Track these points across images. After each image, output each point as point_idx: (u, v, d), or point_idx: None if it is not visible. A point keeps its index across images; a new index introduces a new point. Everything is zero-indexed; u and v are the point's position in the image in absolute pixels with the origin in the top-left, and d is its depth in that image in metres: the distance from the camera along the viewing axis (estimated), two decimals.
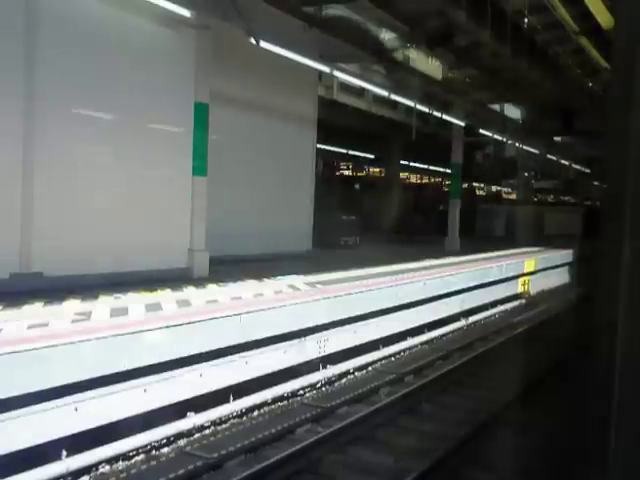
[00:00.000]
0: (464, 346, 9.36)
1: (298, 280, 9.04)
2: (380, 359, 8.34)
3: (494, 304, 12.79)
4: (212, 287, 8.10)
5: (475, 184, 35.99)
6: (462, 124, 17.01)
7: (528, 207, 25.85)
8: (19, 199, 7.06)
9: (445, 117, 16.11)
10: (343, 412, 6.33)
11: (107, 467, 4.76)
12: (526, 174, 27.04)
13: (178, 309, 6.46)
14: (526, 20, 13.56)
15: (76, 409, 4.74)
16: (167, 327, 5.66)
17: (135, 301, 6.72)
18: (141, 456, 5.02)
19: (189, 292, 7.62)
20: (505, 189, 39.44)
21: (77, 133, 7.73)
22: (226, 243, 9.98)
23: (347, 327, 8.05)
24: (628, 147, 1.65)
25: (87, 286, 7.25)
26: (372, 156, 28.04)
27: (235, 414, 6.00)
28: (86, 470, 4.63)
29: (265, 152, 12.06)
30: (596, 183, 34.62)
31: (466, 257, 14.44)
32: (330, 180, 26.20)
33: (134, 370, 5.28)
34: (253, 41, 8.98)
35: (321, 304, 7.69)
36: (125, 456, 4.93)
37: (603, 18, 13.06)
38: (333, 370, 7.48)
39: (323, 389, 7.10)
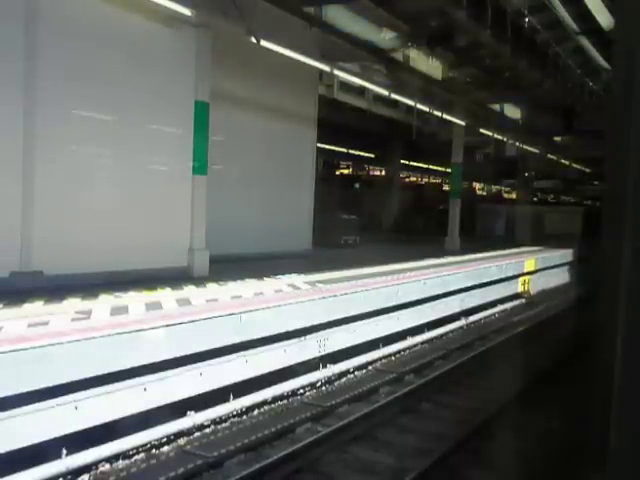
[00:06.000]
0: (463, 345, 9.37)
1: (298, 279, 9.04)
2: (380, 358, 8.34)
3: (494, 303, 12.79)
4: (212, 286, 8.10)
5: (475, 184, 36.00)
6: (462, 123, 17.01)
7: (528, 207, 25.85)
8: (20, 198, 7.06)
9: (445, 116, 16.11)
10: (343, 411, 6.34)
11: (107, 466, 4.77)
12: (526, 174, 27.03)
13: (178, 308, 6.47)
14: (526, 20, 13.55)
15: (76, 408, 4.74)
16: (167, 326, 5.67)
17: (135, 300, 6.72)
18: (141, 455, 5.02)
19: (189, 291, 7.62)
20: (505, 189, 39.47)
21: (77, 132, 7.73)
22: (226, 242, 9.98)
23: (347, 326, 8.05)
24: (628, 147, 1.65)
25: (87, 285, 7.25)
26: (372, 155, 28.03)
27: (235, 413, 6.00)
28: (86, 468, 4.64)
29: (265, 151, 12.05)
30: (596, 183, 34.64)
31: (466, 256, 14.44)
32: (330, 179, 26.18)
33: (135, 368, 5.29)
34: (253, 40, 8.98)
35: (321, 303, 7.69)
36: (125, 455, 4.94)
37: (603, 18, 13.07)
38: (333, 369, 7.48)
39: (323, 388, 7.11)
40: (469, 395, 7.11)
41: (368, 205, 22.88)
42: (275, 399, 6.47)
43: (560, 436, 5.44)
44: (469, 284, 11.64)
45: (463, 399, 6.97)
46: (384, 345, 8.61)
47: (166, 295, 7.19)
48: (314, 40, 10.95)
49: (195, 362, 5.88)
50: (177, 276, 8.59)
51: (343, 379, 7.48)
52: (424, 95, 14.91)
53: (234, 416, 5.97)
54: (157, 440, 5.21)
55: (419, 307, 9.80)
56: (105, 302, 6.53)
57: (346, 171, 32.37)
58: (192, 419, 5.58)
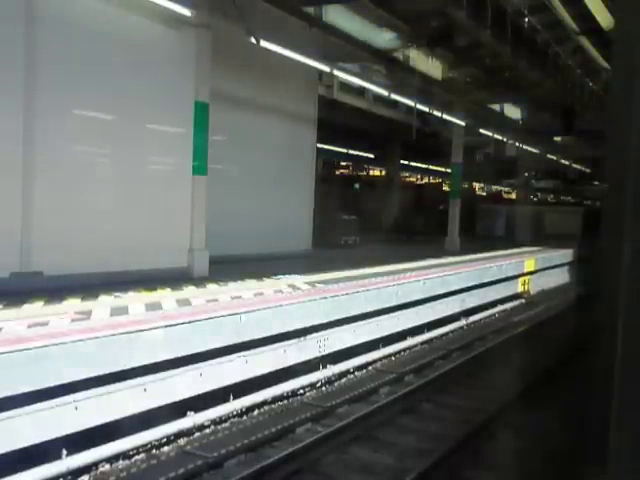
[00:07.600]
0: (463, 346, 9.37)
1: (298, 279, 9.04)
2: (380, 358, 8.34)
3: (494, 304, 12.79)
4: (212, 286, 8.10)
5: (475, 184, 36.00)
6: (462, 124, 17.01)
7: (528, 207, 25.85)
8: (20, 198, 7.06)
9: (445, 117, 16.11)
10: (343, 411, 6.34)
11: (107, 466, 4.77)
12: (526, 174, 27.03)
13: (178, 308, 6.46)
14: (526, 20, 13.55)
15: (76, 408, 4.74)
16: (167, 326, 5.66)
17: (135, 300, 6.72)
18: (141, 455, 5.02)
19: (189, 291, 7.62)
20: (505, 189, 39.47)
21: (77, 132, 7.73)
22: (226, 242, 9.98)
23: (347, 326, 8.04)
24: (628, 147, 1.65)
25: (87, 285, 7.25)
26: (372, 156, 28.03)
27: (235, 413, 6.00)
28: (86, 469, 4.64)
29: (265, 151, 12.05)
30: (596, 183, 34.65)
31: (466, 257, 14.44)
32: (330, 179, 26.17)
33: (135, 369, 5.28)
34: (253, 40, 8.98)
35: (320, 304, 7.68)
36: (125, 455, 4.93)
37: (603, 18, 13.06)
38: (333, 369, 7.48)
39: (323, 388, 7.10)
40: (469, 395, 7.11)
41: (368, 205, 22.87)
42: (275, 399, 6.47)
43: (560, 436, 5.44)
44: (469, 284, 11.63)
45: (463, 399, 6.97)
46: (384, 345, 8.61)
47: (166, 295, 7.19)
48: (314, 40, 10.94)
49: (195, 362, 5.88)
50: (177, 276, 8.59)
51: (343, 379, 7.48)
52: (424, 95, 14.91)
53: (234, 416, 5.97)
54: (157, 440, 5.21)
55: (419, 307, 9.80)
56: (105, 303, 6.52)
57: (346, 171, 32.38)
58: (192, 419, 5.58)
